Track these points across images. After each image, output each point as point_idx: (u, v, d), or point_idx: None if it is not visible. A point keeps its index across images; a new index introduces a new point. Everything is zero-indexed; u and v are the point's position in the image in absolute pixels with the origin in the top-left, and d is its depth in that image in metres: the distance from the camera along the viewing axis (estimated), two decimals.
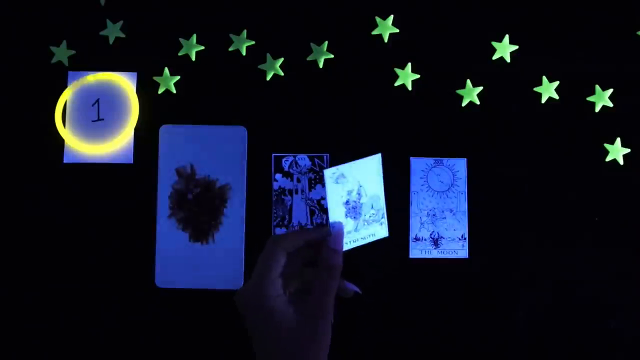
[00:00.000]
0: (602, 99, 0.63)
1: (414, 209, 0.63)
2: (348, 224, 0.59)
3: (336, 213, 0.58)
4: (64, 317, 0.62)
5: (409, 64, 0.64)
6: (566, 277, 0.62)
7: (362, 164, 0.55)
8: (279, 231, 0.63)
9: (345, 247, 0.59)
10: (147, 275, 0.62)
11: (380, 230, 0.58)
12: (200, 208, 0.63)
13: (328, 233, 0.52)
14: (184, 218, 0.63)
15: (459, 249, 0.62)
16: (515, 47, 0.64)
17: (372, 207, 0.59)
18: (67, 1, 0.66)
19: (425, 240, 0.62)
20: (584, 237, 0.62)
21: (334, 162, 0.63)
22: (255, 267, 0.48)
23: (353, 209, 0.58)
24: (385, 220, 0.58)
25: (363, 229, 0.59)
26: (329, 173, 0.54)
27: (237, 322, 0.62)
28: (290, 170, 0.63)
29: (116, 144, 0.64)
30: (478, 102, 0.64)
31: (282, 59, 0.65)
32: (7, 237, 0.63)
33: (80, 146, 0.64)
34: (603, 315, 0.62)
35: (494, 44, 0.64)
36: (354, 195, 0.58)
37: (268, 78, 0.64)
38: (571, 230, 0.62)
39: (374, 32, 0.65)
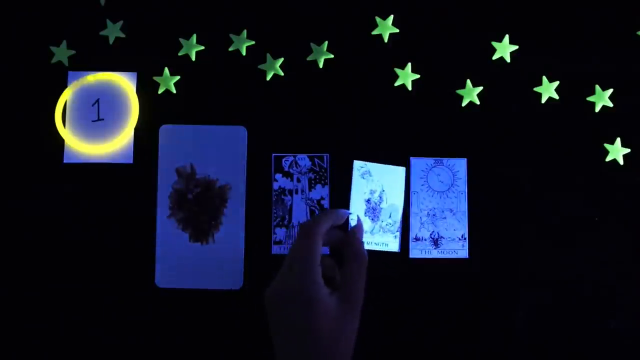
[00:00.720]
0: (602, 99, 0.63)
1: (414, 209, 0.63)
2: (366, 224, 0.61)
3: (357, 207, 0.59)
4: (64, 317, 0.62)
5: (409, 64, 0.64)
6: (566, 277, 0.62)
7: (388, 169, 0.57)
8: (279, 231, 0.63)
9: None
10: (147, 275, 0.62)
11: (392, 243, 0.60)
12: (200, 208, 0.63)
13: (344, 215, 0.54)
14: (184, 218, 0.63)
15: (459, 249, 0.62)
16: (515, 47, 0.64)
17: (389, 217, 0.61)
18: (67, 1, 0.66)
19: (425, 240, 0.62)
20: (584, 237, 0.62)
21: (334, 162, 0.63)
22: (291, 257, 0.47)
23: (372, 210, 0.60)
24: (399, 235, 0.59)
25: (378, 234, 0.60)
26: (357, 165, 0.56)
27: (237, 322, 0.62)
28: (290, 170, 0.63)
29: (116, 144, 0.64)
30: (478, 102, 0.64)
31: (282, 59, 0.65)
32: (7, 237, 0.63)
33: (80, 146, 0.64)
34: (603, 315, 0.62)
35: (494, 44, 0.64)
36: (375, 197, 0.60)
37: (268, 78, 0.64)
38: (571, 230, 0.62)
39: (374, 32, 0.65)
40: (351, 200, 0.59)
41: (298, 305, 0.45)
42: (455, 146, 0.64)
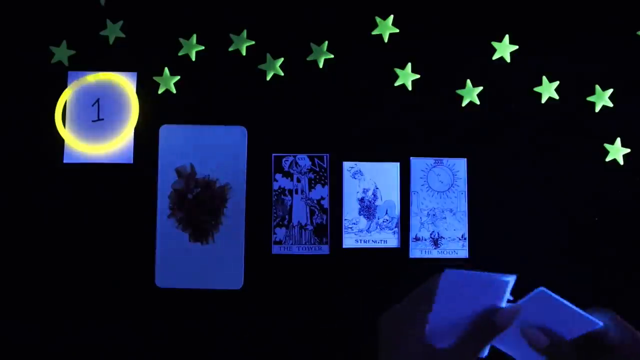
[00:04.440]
0: (602, 99, 0.63)
1: (414, 209, 0.63)
2: (361, 223, 0.61)
3: (350, 208, 0.59)
4: (64, 317, 0.62)
5: (409, 64, 0.64)
6: (566, 277, 0.62)
7: (380, 167, 0.57)
8: (279, 231, 0.63)
9: (356, 245, 0.60)
10: (147, 275, 0.62)
11: (392, 239, 0.60)
12: (200, 208, 0.63)
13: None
14: (184, 218, 0.63)
15: (459, 249, 0.62)
16: (515, 47, 0.64)
17: (386, 213, 0.60)
18: (67, 1, 0.66)
19: (425, 240, 0.62)
20: (584, 237, 0.62)
21: (334, 162, 0.63)
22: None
23: (367, 208, 0.60)
24: (398, 230, 0.59)
25: (375, 232, 0.60)
26: (347, 166, 0.56)
27: (237, 322, 0.62)
28: (290, 170, 0.63)
29: (116, 144, 0.64)
30: (478, 102, 0.64)
31: (282, 59, 0.65)
32: (7, 237, 0.63)
33: (80, 146, 0.64)
34: None
35: (494, 44, 0.64)
36: (369, 195, 0.60)
37: (268, 78, 0.64)
38: (571, 230, 0.62)
39: (374, 32, 0.64)
40: (344, 201, 0.59)
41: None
42: (455, 146, 0.64)
